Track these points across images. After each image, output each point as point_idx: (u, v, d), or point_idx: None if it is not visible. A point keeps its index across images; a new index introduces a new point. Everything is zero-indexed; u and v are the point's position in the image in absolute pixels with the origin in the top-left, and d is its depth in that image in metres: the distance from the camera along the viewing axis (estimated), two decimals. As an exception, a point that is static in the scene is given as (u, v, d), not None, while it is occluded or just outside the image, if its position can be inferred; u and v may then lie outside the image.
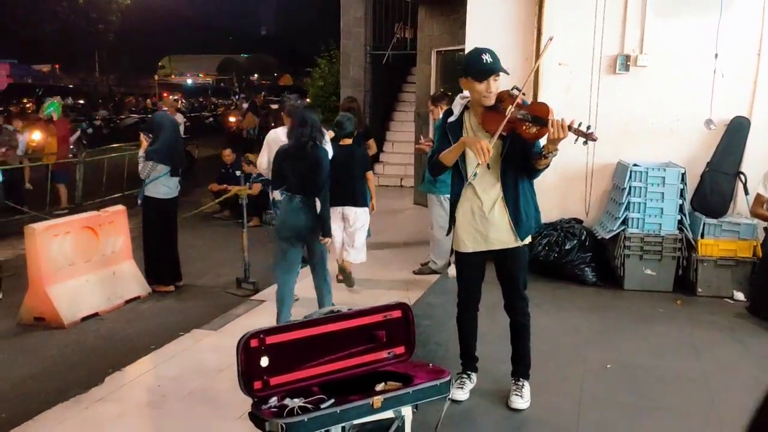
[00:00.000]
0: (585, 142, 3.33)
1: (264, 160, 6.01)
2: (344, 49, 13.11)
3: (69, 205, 10.83)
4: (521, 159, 3.60)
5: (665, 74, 6.48)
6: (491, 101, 3.56)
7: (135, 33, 42.20)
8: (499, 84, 3.58)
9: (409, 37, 12.82)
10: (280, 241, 4.95)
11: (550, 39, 3.77)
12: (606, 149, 6.65)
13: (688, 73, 6.42)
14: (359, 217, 6.11)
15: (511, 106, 3.47)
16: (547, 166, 3.60)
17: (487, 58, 3.52)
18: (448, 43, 9.72)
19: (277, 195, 5.21)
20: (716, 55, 6.32)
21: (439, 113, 6.51)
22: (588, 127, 3.32)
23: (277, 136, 5.80)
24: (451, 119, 3.78)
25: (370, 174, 6.38)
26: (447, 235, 4.03)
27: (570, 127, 3.33)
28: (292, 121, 5.07)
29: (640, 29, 6.46)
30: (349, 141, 6.13)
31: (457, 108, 3.78)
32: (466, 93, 3.71)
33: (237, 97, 35.68)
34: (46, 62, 39.17)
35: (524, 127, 3.46)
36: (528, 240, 3.80)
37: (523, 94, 3.59)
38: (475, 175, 3.59)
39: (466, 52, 7.09)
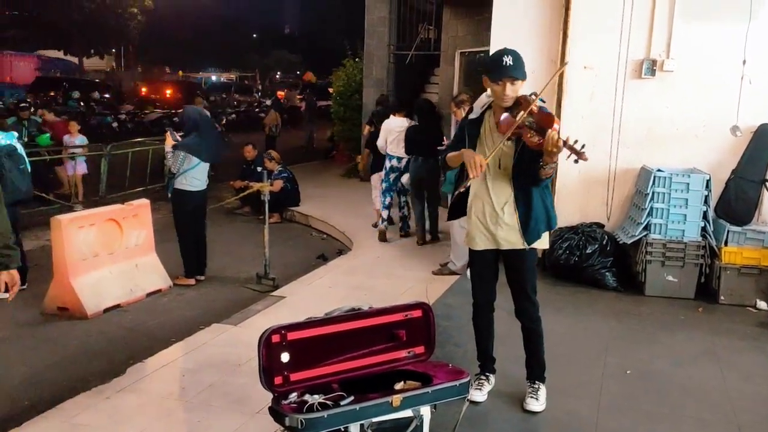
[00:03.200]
0: (576, 161, 3.31)
1: (382, 141, 8.17)
2: (368, 48, 13.11)
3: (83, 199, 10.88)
4: (529, 164, 3.60)
5: (692, 79, 6.41)
6: (508, 103, 3.56)
7: (160, 28, 42.52)
8: (519, 88, 3.55)
9: (432, 37, 12.80)
10: (413, 187, 7.93)
11: (565, 63, 3.72)
12: (629, 154, 6.61)
13: (716, 79, 6.35)
14: None
15: (523, 112, 3.47)
16: (549, 178, 3.60)
17: (508, 60, 3.49)
18: (472, 45, 9.70)
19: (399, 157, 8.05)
20: (744, 62, 6.24)
21: (462, 114, 6.52)
22: (582, 146, 3.31)
23: (391, 123, 8.10)
24: (472, 116, 3.80)
25: None
26: (447, 220, 4.10)
27: (565, 143, 3.31)
28: (420, 111, 7.87)
29: (668, 33, 6.39)
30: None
31: (478, 106, 3.79)
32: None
33: (259, 94, 35.82)
34: (74, 55, 39.59)
35: (528, 135, 3.47)
36: (541, 244, 3.79)
37: (542, 101, 3.58)
38: (468, 186, 3.65)
39: (491, 53, 7.13)
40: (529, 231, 3.70)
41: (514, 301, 3.88)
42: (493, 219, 3.74)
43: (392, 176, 8.14)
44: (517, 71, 3.50)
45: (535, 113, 3.48)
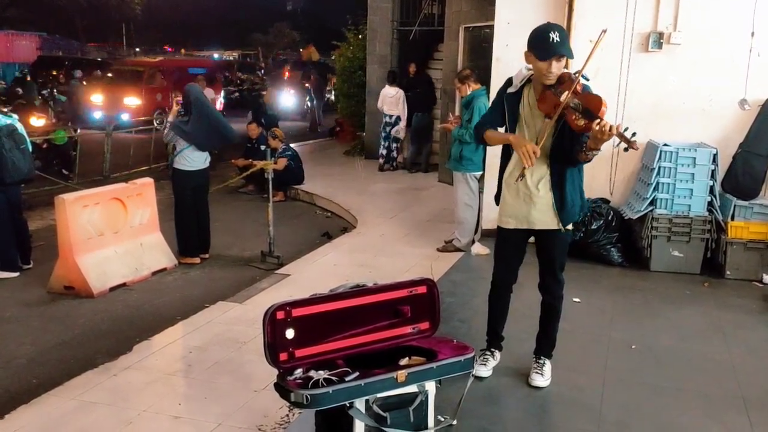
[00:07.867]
0: (626, 149, 3.23)
1: (379, 104, 11.68)
2: (371, 24, 12.97)
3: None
4: (570, 145, 3.50)
5: (699, 53, 6.32)
6: (551, 81, 3.45)
7: (162, 6, 42.25)
8: (563, 65, 3.46)
9: (436, 12, 12.65)
10: (413, 133, 11.51)
11: (604, 31, 3.54)
12: (635, 129, 6.44)
13: (723, 52, 6.26)
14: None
15: (567, 92, 3.35)
16: (588, 161, 3.49)
17: (554, 37, 3.38)
18: (476, 20, 9.58)
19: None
20: (753, 34, 6.16)
21: (466, 90, 6.46)
22: (633, 134, 3.21)
23: (386, 91, 11.58)
24: (511, 90, 3.68)
25: None
26: (498, 205, 3.91)
27: (616, 131, 3.23)
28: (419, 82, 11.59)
29: (674, 6, 6.30)
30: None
31: (518, 79, 3.66)
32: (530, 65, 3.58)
33: (262, 72, 35.55)
34: (75, 35, 39.36)
35: (573, 117, 3.35)
36: (570, 227, 3.72)
37: (586, 79, 3.48)
38: (522, 176, 3.53)
39: (495, 28, 7.04)
40: (565, 213, 3.62)
41: (540, 275, 3.84)
42: (526, 198, 3.64)
43: (387, 128, 11.58)
44: (564, 48, 3.40)
45: (580, 94, 3.37)
